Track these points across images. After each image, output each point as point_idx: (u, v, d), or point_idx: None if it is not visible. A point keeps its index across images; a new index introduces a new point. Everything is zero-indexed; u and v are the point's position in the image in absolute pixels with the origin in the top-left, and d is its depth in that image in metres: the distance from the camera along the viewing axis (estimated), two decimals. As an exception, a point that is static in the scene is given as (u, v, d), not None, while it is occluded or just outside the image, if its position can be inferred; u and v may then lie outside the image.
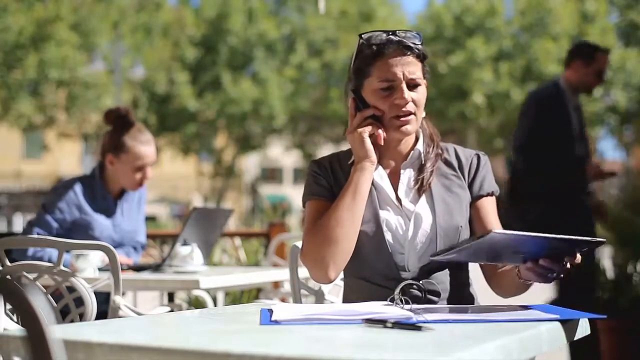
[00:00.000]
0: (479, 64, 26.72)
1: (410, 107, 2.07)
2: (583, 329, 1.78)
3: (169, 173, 35.04)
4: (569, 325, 1.70)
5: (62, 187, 3.46)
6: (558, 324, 1.65)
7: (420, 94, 2.10)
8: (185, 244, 3.29)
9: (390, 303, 1.89)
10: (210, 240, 3.62)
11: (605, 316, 1.80)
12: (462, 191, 2.15)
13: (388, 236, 2.07)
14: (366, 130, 2.08)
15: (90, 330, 1.60)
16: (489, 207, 2.16)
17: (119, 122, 3.53)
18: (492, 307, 1.82)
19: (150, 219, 21.98)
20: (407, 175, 2.15)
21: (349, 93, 2.17)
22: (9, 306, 2.32)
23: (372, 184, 2.12)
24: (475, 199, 2.16)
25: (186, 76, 27.37)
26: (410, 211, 2.09)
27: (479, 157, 2.20)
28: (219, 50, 28.06)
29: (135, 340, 1.40)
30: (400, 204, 2.11)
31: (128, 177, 3.49)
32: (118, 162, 3.48)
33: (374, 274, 2.08)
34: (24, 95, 23.97)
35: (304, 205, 2.19)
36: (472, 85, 26.47)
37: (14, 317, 2.39)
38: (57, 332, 1.17)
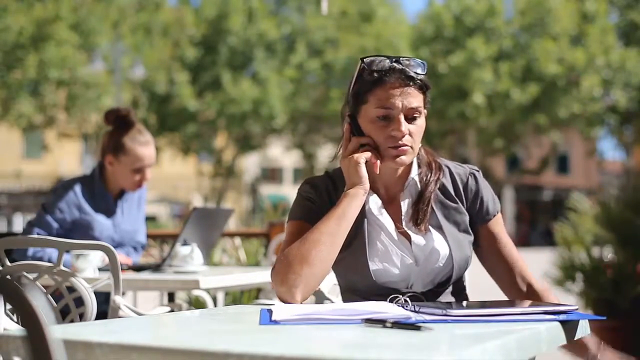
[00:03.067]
0: (479, 64, 26.73)
1: (406, 139, 2.00)
2: (583, 329, 1.79)
3: (169, 173, 35.04)
4: (568, 326, 1.70)
5: (62, 187, 3.46)
6: (558, 324, 1.66)
7: (418, 126, 2.03)
8: (185, 244, 3.29)
9: (390, 303, 1.89)
10: (210, 240, 3.62)
11: (605, 317, 1.80)
12: (462, 218, 2.10)
13: (376, 274, 2.01)
14: (363, 157, 2.01)
15: (90, 330, 1.60)
16: (498, 228, 2.12)
17: (119, 123, 3.52)
18: (512, 302, 1.81)
19: (150, 219, 21.99)
20: (407, 206, 2.09)
21: (344, 117, 2.11)
22: (9, 306, 2.32)
23: (366, 214, 2.06)
24: (482, 223, 2.12)
25: (186, 76, 27.38)
26: (421, 246, 2.03)
27: (475, 178, 2.14)
28: (219, 50, 28.07)
29: (135, 340, 1.40)
30: (408, 239, 2.04)
31: (127, 178, 3.49)
32: (117, 163, 3.48)
33: (368, 295, 2.03)
34: (24, 95, 23.97)
35: (287, 222, 2.11)
36: (472, 85, 26.48)
37: (14, 317, 2.39)
38: (57, 332, 1.18)
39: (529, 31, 28.03)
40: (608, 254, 5.74)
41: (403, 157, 2.01)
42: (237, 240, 5.80)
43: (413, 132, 2.02)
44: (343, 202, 1.99)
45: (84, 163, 36.08)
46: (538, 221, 41.53)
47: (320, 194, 2.11)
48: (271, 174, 44.78)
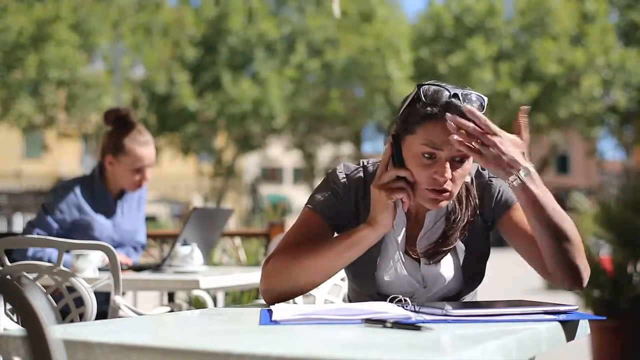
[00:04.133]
0: (479, 64, 26.73)
1: (447, 185, 1.85)
2: (583, 329, 1.79)
3: (169, 173, 35.04)
4: (568, 326, 1.70)
5: (62, 187, 3.46)
6: (558, 324, 1.66)
7: (464, 170, 1.88)
8: (185, 244, 3.29)
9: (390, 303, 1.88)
10: (210, 240, 3.62)
11: (605, 317, 1.80)
12: (481, 233, 2.03)
13: (382, 288, 2.00)
14: (395, 197, 1.85)
15: (90, 330, 1.60)
16: (521, 214, 1.99)
17: (118, 123, 3.52)
18: (511, 302, 1.81)
19: (150, 219, 21.98)
20: (431, 227, 2.01)
21: (389, 134, 1.95)
22: (9, 306, 2.32)
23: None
24: (502, 215, 2.02)
25: (186, 76, 27.37)
26: (429, 270, 1.99)
27: (490, 187, 2.03)
28: (219, 50, 28.06)
29: (135, 340, 1.40)
30: (417, 260, 2.00)
31: (127, 178, 3.49)
32: (117, 163, 3.48)
33: (374, 298, 2.02)
34: (24, 95, 23.96)
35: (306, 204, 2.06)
36: (472, 85, 26.39)
37: (14, 317, 2.39)
38: (57, 332, 1.17)
39: (529, 31, 28.02)
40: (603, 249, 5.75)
41: (441, 204, 1.88)
42: (237, 240, 5.80)
43: (456, 178, 1.87)
44: (359, 234, 1.88)
45: (84, 163, 36.07)
46: (538, 221, 41.43)
47: (348, 191, 2.01)
48: (271, 174, 44.78)
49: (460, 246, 2.01)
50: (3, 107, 24.21)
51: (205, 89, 27.84)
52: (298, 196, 37.86)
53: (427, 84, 1.88)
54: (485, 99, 1.89)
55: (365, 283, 2.02)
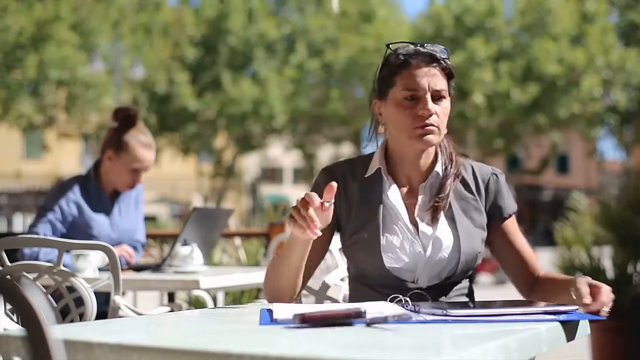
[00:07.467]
0: (479, 64, 26.71)
1: (433, 119, 2.03)
2: (583, 329, 1.79)
3: (169, 173, 35.04)
4: (569, 326, 1.70)
5: (60, 187, 3.46)
6: (558, 324, 1.66)
7: (444, 108, 2.06)
8: (185, 244, 3.29)
9: (391, 303, 1.88)
10: (211, 240, 3.62)
11: (605, 317, 1.80)
12: (479, 215, 2.12)
13: (387, 258, 2.05)
14: (290, 222, 1.88)
15: (90, 330, 1.60)
16: (513, 228, 2.17)
17: (126, 121, 3.52)
18: (513, 302, 1.81)
19: (150, 219, 21.97)
20: (425, 198, 2.11)
21: (372, 101, 2.17)
22: (9, 306, 2.32)
23: (383, 200, 2.09)
24: (498, 222, 2.15)
25: (186, 76, 27.37)
26: (428, 235, 2.06)
27: (496, 178, 2.17)
28: (219, 50, 28.06)
29: (135, 340, 1.40)
30: (417, 228, 2.08)
31: (122, 176, 3.49)
32: (116, 159, 3.47)
33: (376, 284, 2.08)
34: (24, 95, 23.95)
35: None
36: (472, 85, 26.46)
37: (14, 317, 2.39)
38: (57, 332, 1.17)
39: (529, 31, 28.01)
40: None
41: (430, 137, 2.04)
42: (237, 240, 5.80)
43: (439, 113, 2.04)
44: (288, 242, 1.99)
45: (84, 163, 36.06)
46: (538, 221, 41.54)
47: (336, 181, 2.05)
48: (271, 174, 44.78)
49: (458, 217, 2.09)
50: (3, 107, 24.20)
51: (205, 89, 27.84)
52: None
53: (393, 43, 2.12)
54: (448, 50, 2.10)
55: (370, 256, 2.06)
